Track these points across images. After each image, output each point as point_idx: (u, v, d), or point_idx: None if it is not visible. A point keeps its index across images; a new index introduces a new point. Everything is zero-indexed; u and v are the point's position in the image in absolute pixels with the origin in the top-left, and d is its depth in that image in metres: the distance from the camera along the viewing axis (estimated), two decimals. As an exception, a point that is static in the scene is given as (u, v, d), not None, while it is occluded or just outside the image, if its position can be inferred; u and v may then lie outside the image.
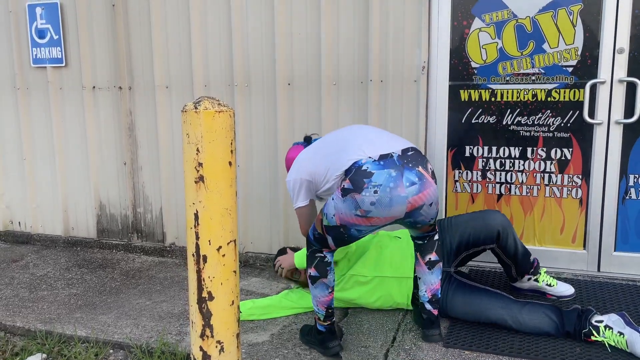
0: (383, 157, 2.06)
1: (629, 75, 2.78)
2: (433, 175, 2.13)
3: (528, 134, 2.99)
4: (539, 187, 3.03)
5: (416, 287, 2.50)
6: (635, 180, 2.87)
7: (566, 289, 2.73)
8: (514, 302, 2.42)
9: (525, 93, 2.96)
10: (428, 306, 2.36)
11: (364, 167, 2.04)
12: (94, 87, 3.75)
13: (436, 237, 2.35)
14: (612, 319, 2.29)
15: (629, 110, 2.80)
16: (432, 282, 2.35)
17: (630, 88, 2.78)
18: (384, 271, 2.63)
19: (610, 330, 2.25)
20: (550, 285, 2.72)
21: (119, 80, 3.68)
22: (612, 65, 2.79)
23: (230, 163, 1.69)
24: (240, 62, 3.36)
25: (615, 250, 2.96)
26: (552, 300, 2.70)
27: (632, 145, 2.84)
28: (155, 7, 3.49)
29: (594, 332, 2.27)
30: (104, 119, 3.77)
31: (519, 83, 2.95)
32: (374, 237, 2.76)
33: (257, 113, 3.39)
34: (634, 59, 2.76)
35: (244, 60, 3.36)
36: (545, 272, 2.77)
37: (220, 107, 1.66)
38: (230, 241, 1.72)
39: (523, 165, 3.03)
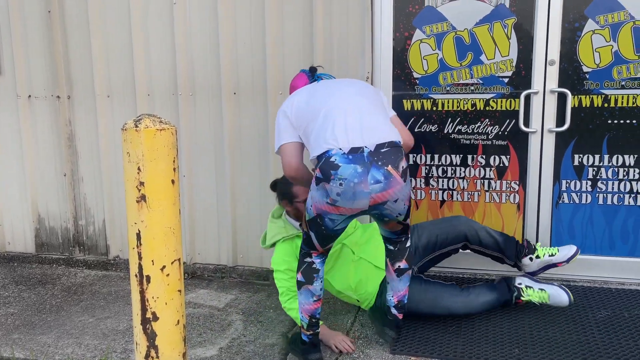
0: (353, 151, 2.07)
1: (559, 86, 2.93)
2: (404, 174, 2.12)
3: (468, 142, 3.10)
4: (479, 193, 3.15)
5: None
6: (567, 185, 3.02)
7: (569, 249, 2.72)
8: (462, 289, 2.63)
9: (464, 102, 3.07)
10: (394, 310, 2.42)
11: (332, 159, 2.07)
12: (29, 96, 3.60)
13: (408, 244, 2.37)
14: (525, 280, 2.64)
15: (561, 119, 2.95)
16: (399, 288, 2.39)
17: (561, 98, 2.93)
18: (369, 257, 2.66)
19: (531, 289, 2.53)
20: (552, 255, 2.72)
21: (57, 89, 3.55)
22: (544, 77, 2.93)
23: (173, 181, 1.67)
24: (185, 71, 3.32)
25: (550, 252, 3.10)
26: (562, 267, 2.74)
27: (564, 152, 2.99)
28: (93, 13, 3.40)
29: (522, 293, 2.56)
30: (41, 129, 3.63)
31: (458, 93, 3.06)
32: (369, 226, 2.80)
33: (203, 122, 3.35)
34: (564, 70, 2.92)
35: (188, 69, 3.32)
36: (540, 246, 2.78)
37: (162, 125, 1.63)
38: (175, 260, 1.70)
39: (464, 172, 3.14)
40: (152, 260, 1.66)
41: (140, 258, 1.66)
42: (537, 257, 2.73)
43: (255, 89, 3.22)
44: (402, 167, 2.11)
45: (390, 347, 2.46)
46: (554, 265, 2.73)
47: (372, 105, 2.25)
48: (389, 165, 2.07)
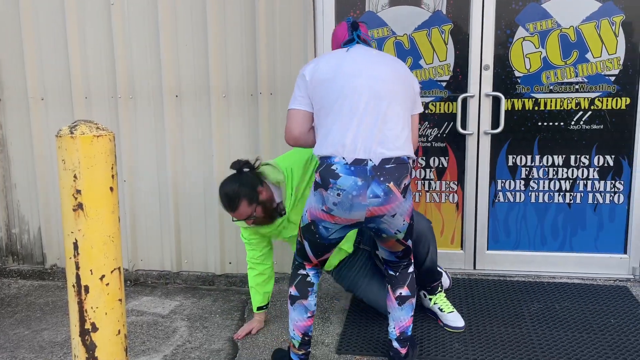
0: (356, 163, 1.96)
1: (494, 90, 3.06)
2: (405, 190, 2.01)
3: (409, 144, 3.18)
4: (420, 193, 3.24)
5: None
6: (503, 184, 3.16)
7: (454, 320, 2.62)
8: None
9: (405, 106, 3.15)
10: (395, 344, 2.25)
11: (333, 166, 1.98)
12: (-44, 98, 3.42)
13: (410, 269, 2.25)
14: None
15: (495, 122, 3.08)
16: (401, 318, 2.23)
17: (496, 101, 3.06)
18: None
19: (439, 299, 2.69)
20: (441, 310, 2.66)
21: (-15, 91, 3.38)
22: (479, 81, 3.06)
23: (111, 188, 1.63)
24: (124, 73, 3.24)
25: (488, 249, 3.24)
26: (441, 326, 2.66)
27: (499, 153, 3.13)
28: (25, 12, 3.26)
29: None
30: (-31, 133, 3.45)
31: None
32: None
33: (144, 126, 3.28)
34: (498, 75, 3.05)
35: (127, 71, 3.24)
36: (443, 296, 2.72)
37: (99, 132, 1.59)
38: (115, 269, 1.66)
39: (406, 173, 3.22)
40: (91, 270, 1.62)
41: (77, 268, 1.61)
42: (430, 299, 2.71)
43: (198, 91, 3.18)
44: (405, 184, 2.01)
45: (336, 347, 2.49)
46: (437, 318, 2.69)
47: (397, 104, 2.05)
48: (391, 182, 1.97)
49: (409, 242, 2.17)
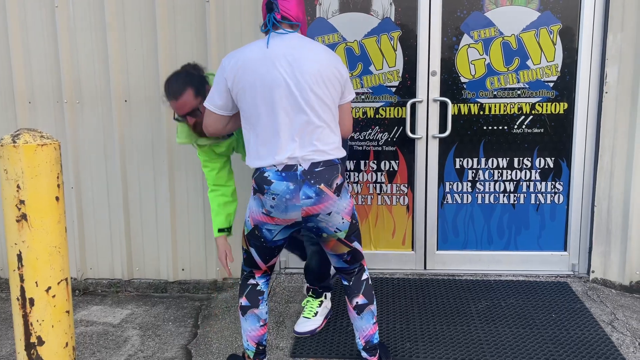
0: (287, 169, 2.01)
1: (441, 95, 3.15)
2: (338, 189, 2.05)
3: (361, 148, 3.24)
4: (372, 196, 3.30)
5: None
6: (451, 187, 3.26)
7: (300, 323, 2.68)
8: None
9: (356, 111, 3.21)
10: (364, 354, 2.25)
11: (265, 174, 2.03)
12: None
13: (364, 276, 2.25)
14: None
15: (443, 126, 3.18)
16: (363, 327, 2.23)
17: (443, 106, 3.16)
18: None
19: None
20: (307, 318, 2.72)
21: None
22: (427, 86, 3.15)
23: (57, 198, 1.60)
24: (70, 78, 3.16)
25: (437, 250, 3.33)
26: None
27: (447, 156, 3.23)
28: (-37, 14, 3.13)
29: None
30: None
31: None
32: None
33: (92, 131, 3.20)
34: (445, 81, 3.15)
35: (74, 76, 3.16)
36: (309, 303, 2.76)
37: (43, 140, 1.56)
38: (61, 280, 1.63)
39: (358, 177, 3.28)
40: (36, 282, 1.58)
41: (22, 280, 1.57)
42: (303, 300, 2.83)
43: (148, 96, 3.14)
44: (337, 184, 2.04)
45: (291, 351, 2.51)
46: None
47: (324, 104, 2.03)
48: (322, 184, 2.02)
49: (355, 245, 2.17)
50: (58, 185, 1.60)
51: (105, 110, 3.17)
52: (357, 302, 2.22)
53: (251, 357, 2.25)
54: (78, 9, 3.09)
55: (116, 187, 3.23)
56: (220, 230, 2.53)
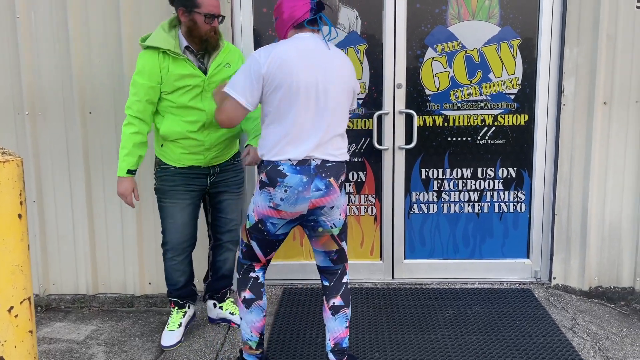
0: (301, 163, 2.13)
1: (407, 107, 3.21)
2: (341, 185, 2.24)
3: (328, 159, 3.27)
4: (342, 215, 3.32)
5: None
6: (417, 197, 3.32)
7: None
8: None
9: (324, 122, 3.24)
10: (331, 356, 2.28)
11: (280, 167, 2.13)
12: None
13: (344, 279, 2.32)
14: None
15: (409, 137, 3.24)
16: (335, 329, 2.28)
17: (409, 118, 3.22)
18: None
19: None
20: (232, 314, 2.86)
21: None
22: (393, 99, 3.20)
23: (20, 215, 1.57)
24: (31, 89, 3.09)
25: (405, 259, 3.38)
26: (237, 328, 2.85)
27: (413, 167, 3.29)
28: None
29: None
30: None
31: (318, 113, 3.22)
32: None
33: (54, 143, 3.14)
34: (410, 93, 3.21)
35: (35, 87, 3.09)
36: (231, 300, 2.91)
37: (5, 157, 1.53)
38: (24, 299, 1.60)
39: (326, 188, 3.30)
40: (-3, 302, 1.54)
41: (-18, 301, 1.53)
42: (221, 308, 2.89)
43: (114, 107, 3.09)
44: (342, 179, 2.23)
45: (260, 364, 2.51)
46: (230, 322, 2.88)
47: (343, 110, 2.20)
48: (332, 177, 2.18)
49: (344, 244, 2.30)
50: (21, 203, 1.57)
51: (69, 121, 3.12)
52: (333, 303, 2.29)
53: (254, 347, 2.31)
54: (40, 19, 3.04)
55: (80, 200, 3.17)
56: (130, 172, 2.52)
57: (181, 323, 2.75)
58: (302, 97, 2.11)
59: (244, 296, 2.29)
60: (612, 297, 3.20)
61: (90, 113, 3.11)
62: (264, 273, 2.35)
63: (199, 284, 3.00)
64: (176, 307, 2.79)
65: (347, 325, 2.30)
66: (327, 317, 2.30)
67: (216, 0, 2.45)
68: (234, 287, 2.95)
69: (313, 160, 2.14)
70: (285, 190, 2.13)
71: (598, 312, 3.02)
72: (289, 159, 2.13)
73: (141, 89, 2.47)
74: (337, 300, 2.28)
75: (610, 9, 2.99)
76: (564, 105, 3.11)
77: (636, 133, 3.09)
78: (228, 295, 2.92)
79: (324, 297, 2.32)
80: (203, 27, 2.44)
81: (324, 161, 2.16)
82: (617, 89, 3.06)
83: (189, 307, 2.83)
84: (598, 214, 3.17)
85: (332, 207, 2.21)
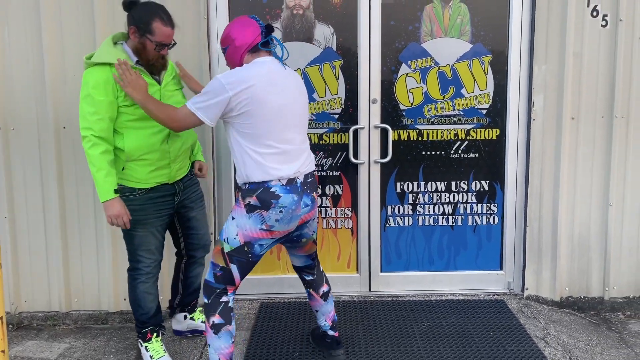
0: (289, 182, 2.25)
1: (382, 122, 3.27)
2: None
3: (305, 173, 3.30)
4: (317, 220, 3.35)
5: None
6: (393, 210, 3.37)
7: None
8: None
9: (300, 136, 3.27)
10: (331, 332, 2.65)
11: (272, 189, 2.22)
12: None
13: (321, 267, 2.65)
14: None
15: (384, 152, 3.28)
16: (328, 310, 2.63)
17: (384, 133, 3.27)
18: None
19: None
20: (204, 322, 2.68)
21: None
22: (368, 113, 3.25)
23: (-8, 234, 1.55)
24: (5, 104, 3.05)
25: (381, 271, 3.41)
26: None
27: (388, 180, 3.33)
28: None
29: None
30: None
31: (294, 128, 3.25)
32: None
33: (28, 158, 3.10)
34: (385, 108, 3.26)
35: (8, 102, 3.05)
36: (201, 311, 2.91)
37: (-22, 174, 1.51)
38: (-4, 319, 1.57)
39: (302, 201, 3.32)
40: (-31, 322, 1.52)
41: (-47, 321, 1.51)
42: (192, 318, 2.88)
43: (87, 123, 3.07)
44: (318, 191, 2.39)
45: (237, 380, 2.50)
46: (201, 332, 2.89)
47: (306, 125, 2.41)
48: (314, 193, 2.38)
49: (315, 236, 2.56)
50: (-7, 221, 1.55)
51: (43, 136, 3.08)
52: (323, 291, 2.60)
53: None
54: (14, 32, 3.01)
55: (54, 215, 3.13)
56: (116, 191, 2.40)
57: (164, 349, 2.66)
58: (279, 118, 2.21)
59: (213, 321, 2.27)
60: (582, 307, 3.28)
61: (64, 128, 3.08)
62: (234, 298, 2.37)
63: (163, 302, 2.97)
64: (154, 335, 2.66)
65: (333, 299, 2.67)
66: (319, 304, 2.60)
67: (171, 30, 2.40)
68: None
69: (297, 178, 2.28)
70: (281, 211, 2.23)
71: (569, 321, 3.09)
72: (279, 179, 2.22)
73: (101, 105, 2.36)
74: (325, 287, 2.61)
75: (576, 28, 3.10)
76: (534, 120, 3.20)
77: (602, 147, 3.20)
78: (197, 305, 2.92)
79: (310, 290, 2.59)
80: (151, 52, 2.41)
81: (305, 176, 2.33)
82: (583, 105, 3.17)
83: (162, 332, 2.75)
84: (567, 226, 3.25)
85: (314, 219, 2.45)
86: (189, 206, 2.70)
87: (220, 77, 2.17)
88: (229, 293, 2.31)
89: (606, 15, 3.10)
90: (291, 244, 2.47)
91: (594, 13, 3.10)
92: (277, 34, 3.18)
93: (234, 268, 2.27)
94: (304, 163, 2.32)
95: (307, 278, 2.59)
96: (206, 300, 2.32)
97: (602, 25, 3.11)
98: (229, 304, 2.31)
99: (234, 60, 2.30)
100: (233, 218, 2.27)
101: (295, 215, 2.29)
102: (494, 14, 3.20)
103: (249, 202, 2.22)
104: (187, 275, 2.83)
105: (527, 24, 3.19)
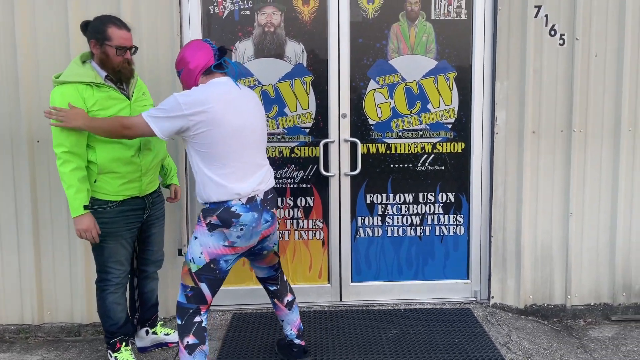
0: (249, 200, 2.31)
1: (351, 135, 3.36)
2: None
3: (278, 185, 3.37)
4: (289, 231, 3.43)
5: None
6: (363, 221, 3.45)
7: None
8: None
9: (272, 150, 3.35)
10: (297, 341, 2.72)
11: (232, 209, 2.28)
12: None
13: (285, 277, 2.70)
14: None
15: (354, 164, 3.38)
16: (294, 319, 2.70)
17: (353, 146, 3.36)
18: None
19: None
20: (167, 335, 2.94)
21: None
22: (338, 128, 3.35)
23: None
24: (-22, 118, 3.09)
25: (352, 281, 3.49)
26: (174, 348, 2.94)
27: (358, 192, 3.43)
28: None
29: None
30: None
31: (268, 142, 3.32)
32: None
33: (1, 172, 3.12)
34: (354, 122, 3.36)
35: (-18, 116, 3.09)
36: (161, 324, 2.97)
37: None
38: (-36, 329, 1.61)
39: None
40: (-64, 332, 1.55)
41: None
42: (155, 332, 2.92)
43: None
44: (277, 206, 2.45)
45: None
46: (166, 344, 2.94)
47: (264, 140, 2.47)
48: (273, 209, 2.46)
49: (277, 248, 2.64)
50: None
51: (16, 150, 3.12)
52: (287, 300, 2.67)
53: None
54: (-12, 49, 3.05)
55: (27, 228, 3.15)
56: (86, 207, 2.46)
57: (134, 357, 2.69)
58: (237, 139, 2.28)
59: (187, 342, 2.30)
60: (545, 314, 3.39)
61: (38, 142, 3.12)
62: (207, 316, 2.39)
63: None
64: (123, 344, 2.68)
65: (298, 310, 2.73)
66: (284, 313, 2.66)
67: (127, 32, 2.50)
68: (174, 330, 2.96)
69: (257, 195, 2.35)
70: (242, 229, 2.29)
71: (531, 328, 3.20)
72: (239, 198, 2.27)
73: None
74: (289, 297, 2.68)
75: (536, 46, 3.24)
76: (497, 133, 3.33)
77: (562, 160, 3.33)
78: (157, 319, 2.95)
79: (275, 299, 2.66)
80: (115, 59, 2.48)
81: (265, 193, 2.40)
82: (544, 119, 3.30)
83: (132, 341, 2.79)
84: (530, 236, 3.37)
85: (274, 233, 2.54)
86: (152, 223, 2.76)
87: (177, 95, 2.23)
88: (202, 312, 2.34)
89: (563, 35, 3.25)
90: (254, 256, 2.55)
91: (552, 32, 3.25)
92: (249, 51, 3.27)
93: (203, 287, 2.31)
94: (263, 180, 2.38)
95: (271, 288, 2.66)
96: (179, 322, 2.34)
97: (560, 44, 3.26)
98: (202, 324, 2.34)
99: (189, 82, 2.37)
100: (196, 238, 2.32)
101: (256, 232, 2.36)
102: (458, 33, 3.34)
103: (210, 221, 2.27)
104: (143, 292, 2.87)
105: (489, 42, 3.33)
